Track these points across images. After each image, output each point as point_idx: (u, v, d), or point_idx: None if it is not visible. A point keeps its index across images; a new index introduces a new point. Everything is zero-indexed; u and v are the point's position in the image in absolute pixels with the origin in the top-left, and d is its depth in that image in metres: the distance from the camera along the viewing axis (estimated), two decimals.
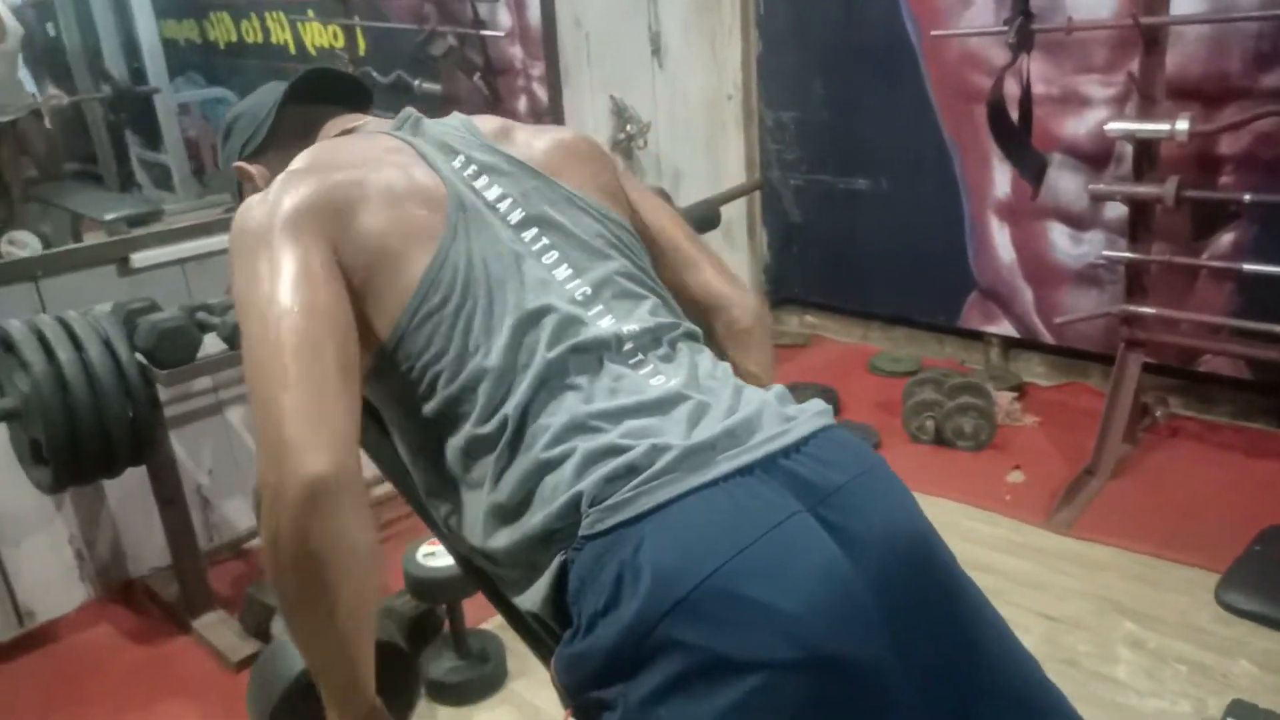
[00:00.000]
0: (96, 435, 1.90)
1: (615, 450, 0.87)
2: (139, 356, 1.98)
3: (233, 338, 2.05)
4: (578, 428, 0.90)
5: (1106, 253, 2.69)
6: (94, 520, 2.36)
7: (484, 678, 1.90)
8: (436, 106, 3.43)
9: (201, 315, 2.10)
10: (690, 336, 1.05)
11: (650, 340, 1.00)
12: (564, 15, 3.11)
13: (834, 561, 0.84)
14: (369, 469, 1.04)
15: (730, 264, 3.83)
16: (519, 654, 1.89)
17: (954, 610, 0.91)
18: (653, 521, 0.83)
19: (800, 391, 3.20)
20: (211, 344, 2.10)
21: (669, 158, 3.56)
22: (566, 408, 0.91)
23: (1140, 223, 2.55)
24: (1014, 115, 2.69)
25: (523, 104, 3.18)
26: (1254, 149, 2.57)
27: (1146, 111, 2.43)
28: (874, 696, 0.81)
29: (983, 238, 3.25)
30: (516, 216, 1.03)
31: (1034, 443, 2.88)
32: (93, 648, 2.25)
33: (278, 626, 1.93)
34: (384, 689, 1.19)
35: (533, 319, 0.95)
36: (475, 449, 0.93)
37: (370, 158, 1.01)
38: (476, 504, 0.93)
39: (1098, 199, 2.71)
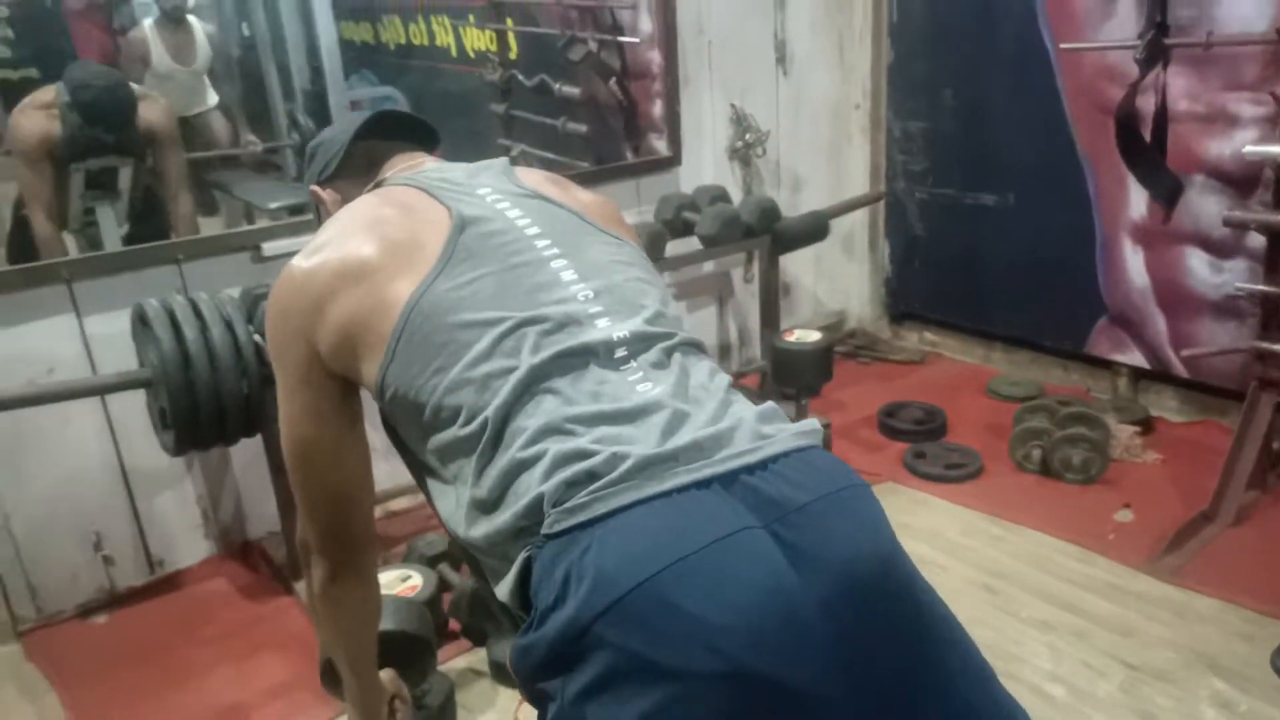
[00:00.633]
0: (214, 406, 2.10)
1: (581, 455, 0.91)
2: (257, 338, 2.17)
3: None
4: (553, 430, 0.95)
5: (1241, 284, 2.50)
6: (220, 483, 2.60)
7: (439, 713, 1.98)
8: (574, 109, 3.55)
9: None
10: (688, 345, 1.08)
11: (644, 346, 1.03)
12: (686, 22, 3.15)
13: (779, 578, 0.85)
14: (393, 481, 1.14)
15: (849, 277, 3.81)
16: None
17: (916, 637, 0.91)
18: (603, 527, 0.87)
19: (902, 409, 3.12)
20: None
21: (789, 165, 3.55)
22: (545, 410, 0.96)
23: (1278, 253, 2.35)
24: (1147, 133, 2.55)
25: (657, 108, 3.24)
26: None
27: None
28: (800, 713, 0.82)
29: (1115, 260, 3.08)
30: (533, 230, 1.09)
31: (1151, 481, 2.71)
32: (209, 598, 2.48)
33: None
34: (400, 664, 1.47)
35: (522, 325, 1.00)
36: (460, 448, 0.99)
37: (369, 227, 1.09)
38: (462, 497, 1.00)
39: (1233, 226, 2.51)
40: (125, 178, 2.88)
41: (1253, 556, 2.32)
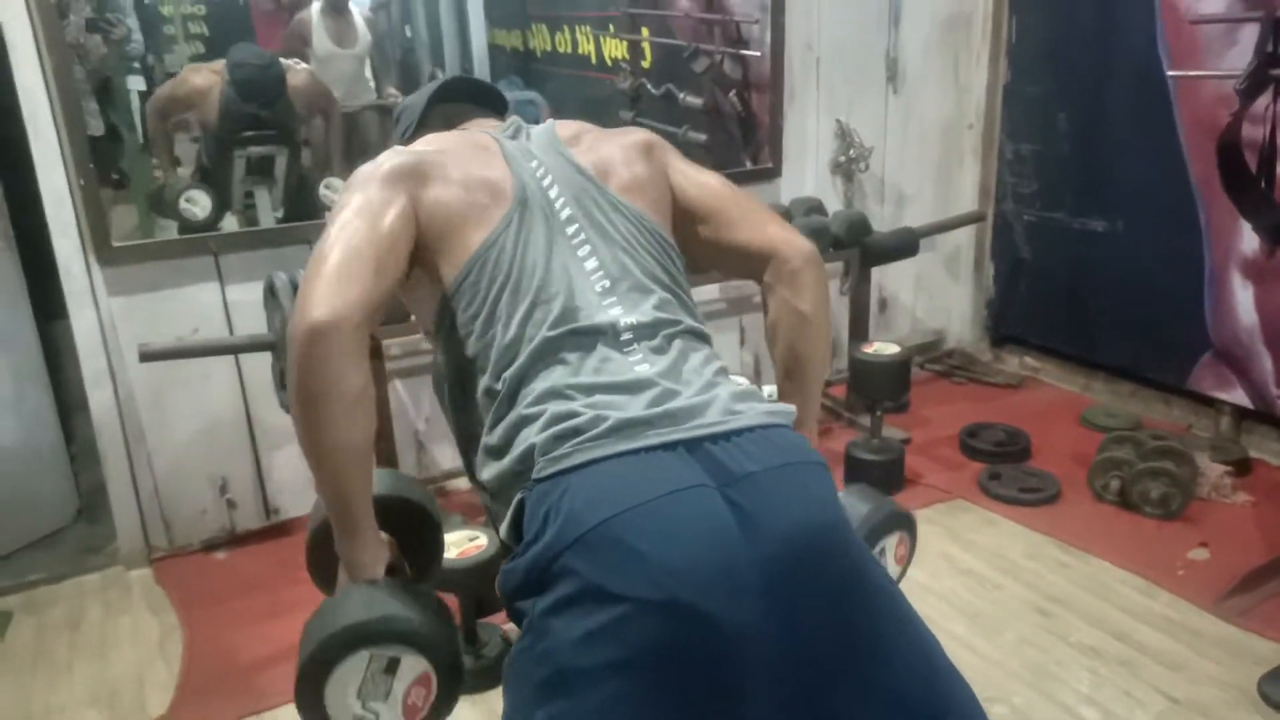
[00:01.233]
0: None
1: (571, 415, 1.06)
2: None
3: None
4: (555, 394, 1.10)
5: None
6: None
7: (492, 666, 2.09)
8: (695, 118, 3.70)
9: None
10: (690, 334, 1.21)
11: (649, 332, 1.17)
12: (796, 39, 3.26)
13: (722, 532, 0.98)
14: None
15: (951, 296, 3.83)
16: None
17: (848, 602, 1.01)
18: (579, 474, 1.02)
19: (985, 430, 3.12)
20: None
21: (893, 182, 3.59)
22: (552, 377, 1.12)
23: None
24: (1254, 164, 2.49)
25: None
26: None
27: None
28: (726, 651, 0.94)
29: (1223, 295, 2.99)
30: (566, 214, 1.24)
31: (1235, 522, 2.63)
32: None
33: None
34: (403, 540, 1.25)
35: (547, 303, 1.16)
36: (484, 399, 1.16)
37: (464, 149, 1.26)
38: (478, 443, 1.16)
39: None
40: (280, 165, 3.21)
41: None
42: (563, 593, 0.98)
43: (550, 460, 1.04)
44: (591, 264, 1.21)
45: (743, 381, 1.22)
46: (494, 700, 1.08)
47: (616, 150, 1.32)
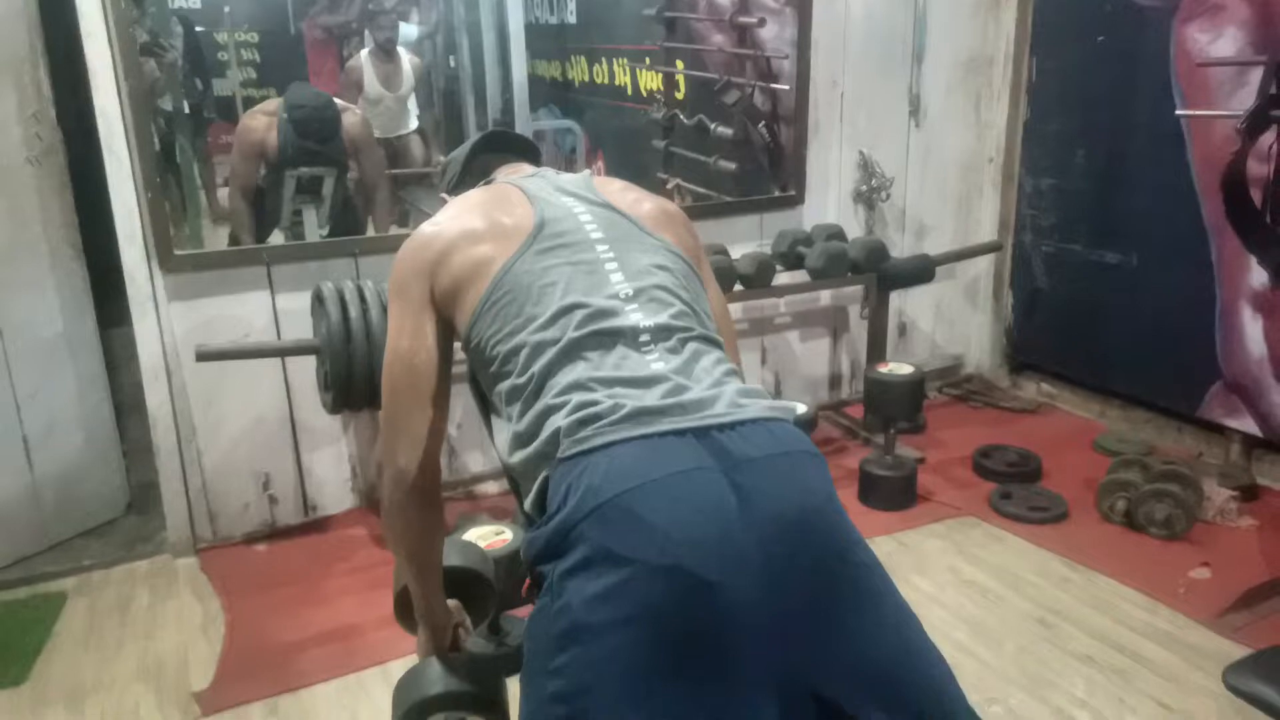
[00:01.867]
0: (365, 374, 2.51)
1: (593, 404, 1.20)
2: None
3: None
4: (579, 387, 1.23)
5: None
6: (368, 445, 3.04)
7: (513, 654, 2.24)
8: (725, 148, 3.85)
9: None
10: (704, 339, 1.34)
11: (665, 335, 1.30)
12: (821, 74, 3.41)
13: (725, 509, 1.10)
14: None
15: (970, 323, 3.95)
16: None
17: (834, 580, 1.13)
18: (598, 454, 1.15)
19: (998, 451, 3.20)
20: None
21: (914, 213, 3.71)
22: (576, 372, 1.25)
23: None
24: (1259, 200, 2.59)
25: None
26: None
27: None
28: (723, 613, 1.06)
29: (1233, 326, 3.07)
30: (597, 235, 1.39)
31: (1239, 546, 2.70)
32: (349, 541, 2.90)
33: None
34: (464, 598, 1.68)
35: (572, 308, 1.30)
36: (513, 394, 1.29)
37: (486, 202, 1.42)
38: (509, 431, 1.30)
39: None
40: (328, 185, 3.40)
41: None
42: (579, 556, 1.10)
43: (573, 442, 1.17)
44: (617, 276, 1.34)
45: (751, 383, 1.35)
46: (513, 685, 1.28)
47: (650, 201, 1.49)
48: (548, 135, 4.79)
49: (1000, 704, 2.08)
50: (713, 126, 3.81)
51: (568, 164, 4.38)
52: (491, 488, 3.18)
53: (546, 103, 5.13)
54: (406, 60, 4.20)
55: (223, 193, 3.41)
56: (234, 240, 3.22)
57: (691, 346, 1.31)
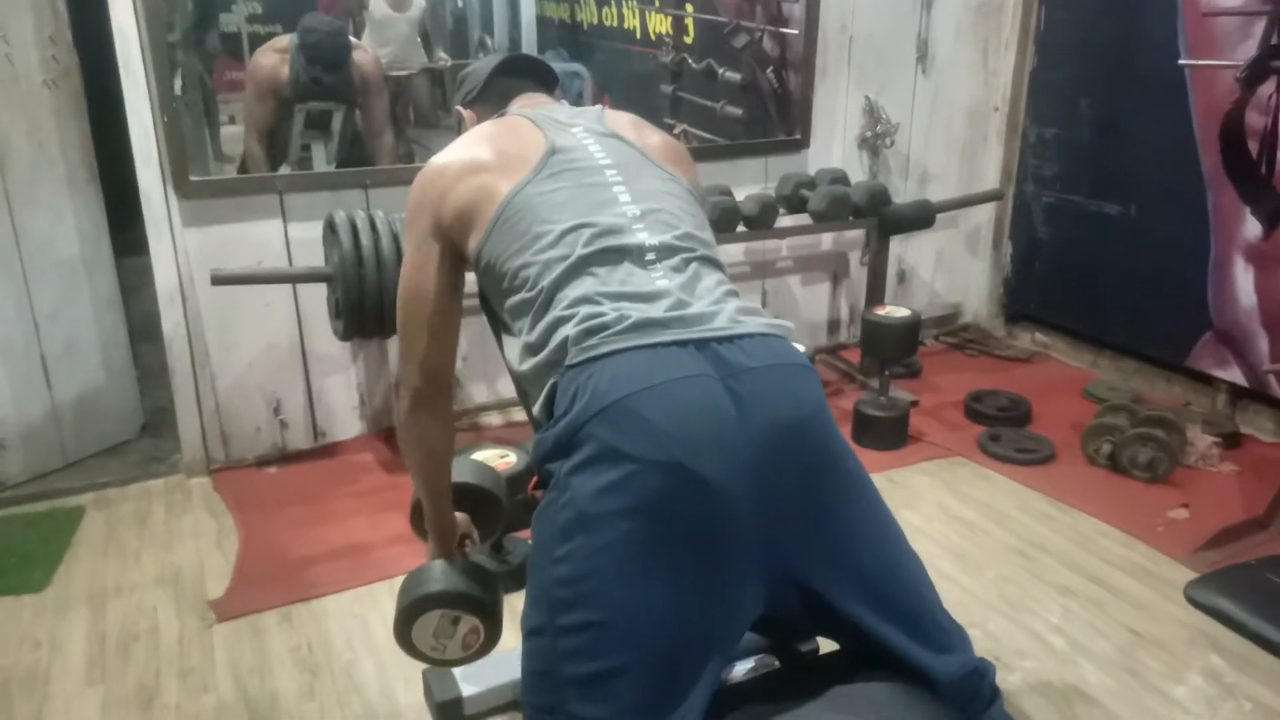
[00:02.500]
0: (376, 302, 2.58)
1: (599, 315, 1.27)
2: None
3: None
4: (586, 300, 1.30)
5: None
6: (376, 376, 3.12)
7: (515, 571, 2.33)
8: (733, 93, 3.86)
9: None
10: (706, 260, 1.41)
11: (669, 254, 1.37)
12: (830, 18, 3.42)
13: (721, 412, 1.18)
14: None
15: (970, 272, 4.01)
16: None
17: (821, 482, 1.21)
18: (604, 361, 1.22)
19: (989, 396, 3.28)
20: None
21: (918, 159, 3.75)
22: (584, 286, 1.32)
23: None
24: (1255, 150, 2.63)
25: None
26: None
27: None
28: (716, 506, 1.14)
29: (1225, 277, 3.13)
30: (606, 161, 1.45)
31: (1218, 489, 2.80)
32: (357, 466, 2.99)
33: None
34: (473, 513, 1.76)
35: (580, 227, 1.36)
36: (524, 307, 1.36)
37: (497, 134, 1.48)
38: (518, 343, 1.37)
39: None
40: (337, 121, 3.42)
41: None
42: (585, 454, 1.18)
43: (581, 350, 1.24)
44: (625, 198, 1.41)
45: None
46: (518, 601, 1.35)
47: (658, 136, 1.55)
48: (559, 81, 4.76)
49: (979, 627, 2.19)
50: (721, 71, 3.81)
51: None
52: (495, 419, 3.27)
53: (555, 45, 5.10)
54: None
55: (227, 132, 3.43)
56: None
57: (694, 266, 1.38)
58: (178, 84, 3.09)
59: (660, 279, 1.34)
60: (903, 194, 3.70)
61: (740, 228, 3.17)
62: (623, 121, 1.57)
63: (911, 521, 2.63)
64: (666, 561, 1.14)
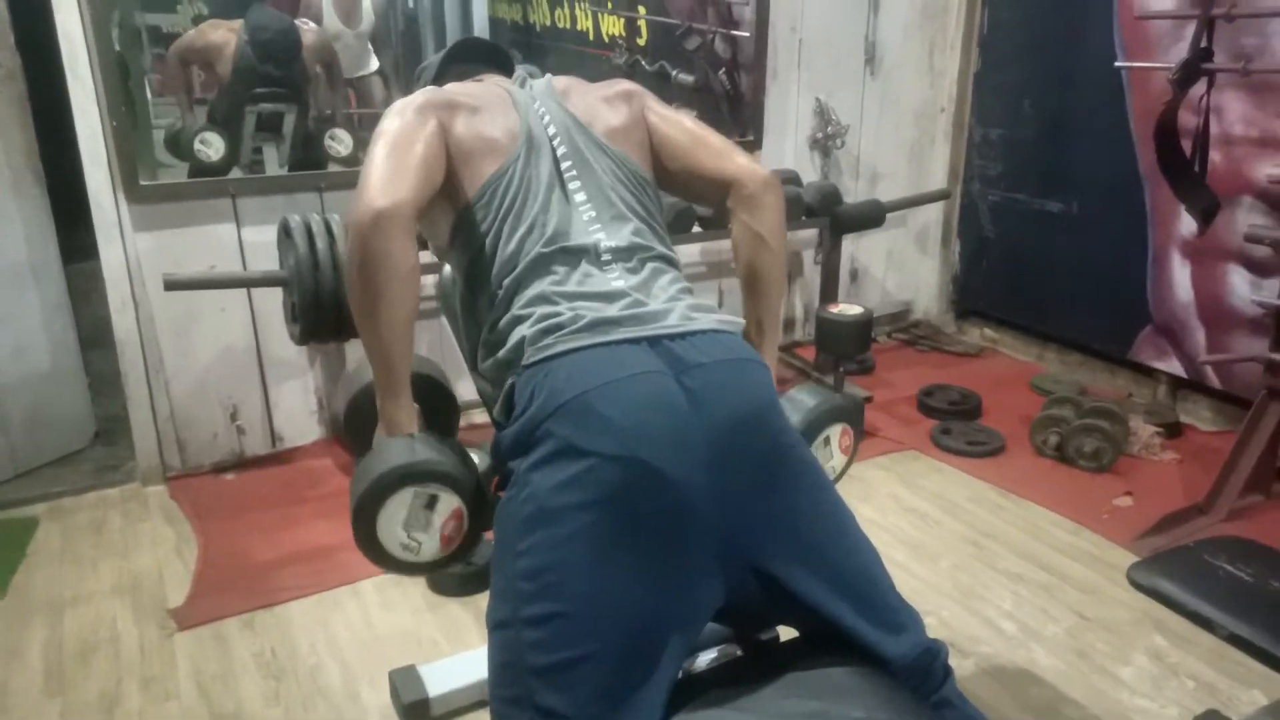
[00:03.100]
0: (332, 306, 2.57)
1: (555, 315, 1.29)
2: None
3: None
4: (544, 300, 1.33)
5: (1255, 298, 2.66)
6: (334, 378, 3.11)
7: (480, 573, 2.29)
8: (686, 95, 3.90)
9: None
10: (661, 259, 1.44)
11: (626, 255, 1.40)
12: (780, 20, 3.48)
13: (675, 407, 1.21)
14: None
15: (920, 270, 4.09)
16: None
17: (775, 473, 1.25)
18: (559, 360, 1.25)
19: (940, 391, 3.36)
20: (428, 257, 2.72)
21: (868, 160, 3.82)
22: (542, 285, 1.35)
23: None
24: (1189, 151, 2.72)
25: None
26: None
27: None
28: (674, 498, 1.17)
29: (1163, 273, 3.24)
30: (561, 151, 1.47)
31: (1160, 477, 2.89)
32: (316, 471, 2.98)
33: None
34: (427, 408, 1.56)
35: (543, 225, 1.39)
36: (485, 304, 1.39)
37: (483, 94, 1.49)
38: (478, 339, 1.40)
39: (1251, 241, 2.67)
40: (289, 123, 3.40)
41: None
42: (544, 451, 1.21)
43: (537, 349, 1.27)
44: (580, 196, 1.44)
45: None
46: (482, 601, 1.33)
47: (601, 101, 1.54)
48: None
49: (934, 615, 2.25)
50: (674, 73, 3.85)
51: None
52: (477, 416, 3.25)
53: (507, 47, 5.10)
54: (367, 1, 4.17)
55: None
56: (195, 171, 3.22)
57: (650, 266, 1.41)
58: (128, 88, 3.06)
59: (616, 279, 1.37)
60: (853, 194, 3.77)
61: (696, 228, 3.21)
62: (573, 95, 1.54)
63: (866, 514, 2.69)
64: (627, 553, 1.17)
